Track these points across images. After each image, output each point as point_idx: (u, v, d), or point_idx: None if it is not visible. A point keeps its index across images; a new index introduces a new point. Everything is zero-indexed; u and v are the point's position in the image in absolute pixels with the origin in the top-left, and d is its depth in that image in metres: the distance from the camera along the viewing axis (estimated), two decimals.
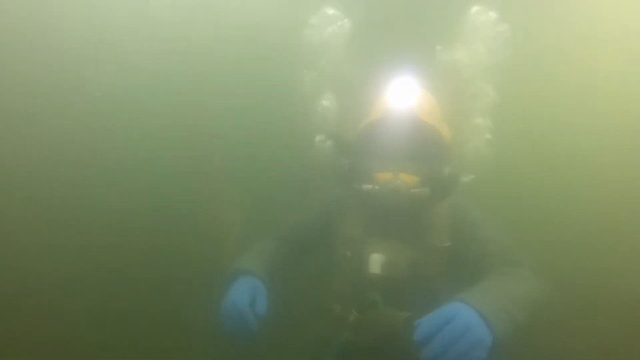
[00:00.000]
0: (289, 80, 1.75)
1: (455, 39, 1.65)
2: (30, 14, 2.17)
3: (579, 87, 2.09)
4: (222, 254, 1.90)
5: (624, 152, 2.10)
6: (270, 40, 2.11)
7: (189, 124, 2.20)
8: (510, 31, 1.60)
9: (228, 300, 1.41)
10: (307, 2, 1.80)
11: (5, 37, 2.11)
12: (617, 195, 2.09)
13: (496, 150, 1.64)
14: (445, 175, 1.48)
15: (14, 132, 2.14)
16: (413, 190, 1.46)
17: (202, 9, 2.21)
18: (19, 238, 2.09)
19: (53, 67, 2.15)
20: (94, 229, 2.14)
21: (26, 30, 2.15)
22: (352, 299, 1.52)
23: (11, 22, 2.14)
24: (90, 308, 2.09)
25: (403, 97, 1.49)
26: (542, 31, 2.08)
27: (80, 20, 2.17)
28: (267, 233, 1.75)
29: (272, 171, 2.16)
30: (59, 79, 2.15)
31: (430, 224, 1.52)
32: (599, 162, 2.08)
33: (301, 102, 1.70)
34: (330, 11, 1.70)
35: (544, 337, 1.86)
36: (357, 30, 1.70)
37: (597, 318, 2.00)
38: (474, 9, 1.64)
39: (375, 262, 1.48)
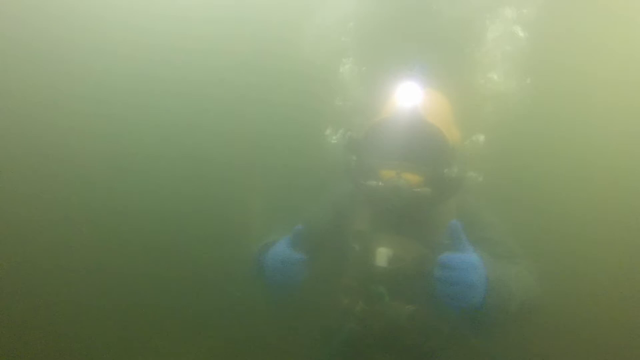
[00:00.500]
0: (300, 80, 1.81)
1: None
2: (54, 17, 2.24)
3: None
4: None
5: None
6: (282, 36, 2.14)
7: (197, 123, 2.26)
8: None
9: (272, 250, 1.49)
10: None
11: (6, 36, 2.17)
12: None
13: (503, 149, 1.69)
14: (448, 175, 1.52)
15: (18, 133, 2.21)
16: (415, 189, 1.51)
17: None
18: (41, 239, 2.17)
19: (68, 67, 2.24)
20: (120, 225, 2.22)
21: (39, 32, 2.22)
22: (359, 290, 1.59)
23: (12, 22, 2.20)
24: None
25: (411, 98, 1.53)
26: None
27: (95, 18, 2.24)
28: (280, 226, 1.81)
29: (283, 165, 2.20)
30: (75, 79, 2.23)
31: (436, 221, 1.55)
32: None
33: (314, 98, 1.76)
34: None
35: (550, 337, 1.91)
36: (370, 29, 1.75)
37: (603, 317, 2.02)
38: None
39: (382, 255, 1.54)
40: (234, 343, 2.12)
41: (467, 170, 1.59)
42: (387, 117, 1.56)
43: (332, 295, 1.66)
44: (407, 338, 1.56)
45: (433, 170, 1.53)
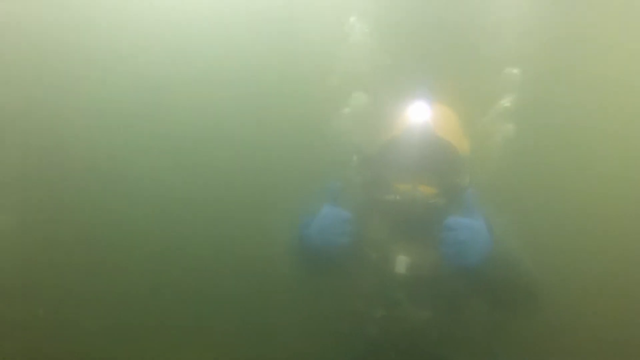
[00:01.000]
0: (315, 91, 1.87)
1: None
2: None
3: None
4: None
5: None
6: (297, 45, 2.19)
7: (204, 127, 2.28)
8: None
9: (322, 209, 1.53)
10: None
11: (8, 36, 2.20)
12: None
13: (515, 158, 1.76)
14: (461, 187, 1.60)
15: (17, 134, 2.22)
16: (430, 200, 1.59)
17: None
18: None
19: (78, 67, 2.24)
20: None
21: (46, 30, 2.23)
22: (378, 297, 1.65)
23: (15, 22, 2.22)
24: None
25: (422, 113, 1.62)
26: None
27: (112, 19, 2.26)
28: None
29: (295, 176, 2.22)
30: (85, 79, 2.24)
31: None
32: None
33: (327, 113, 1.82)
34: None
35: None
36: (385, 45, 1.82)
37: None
38: None
39: (401, 263, 1.62)
40: (249, 344, 2.17)
41: (476, 178, 1.67)
42: (399, 133, 1.64)
43: (350, 301, 1.72)
44: (424, 343, 1.64)
45: (446, 182, 1.61)
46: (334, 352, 1.79)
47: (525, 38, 1.87)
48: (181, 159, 2.28)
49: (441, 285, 1.59)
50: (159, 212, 2.27)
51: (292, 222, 1.67)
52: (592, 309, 2.03)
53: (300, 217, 1.62)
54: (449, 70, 1.82)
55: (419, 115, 1.62)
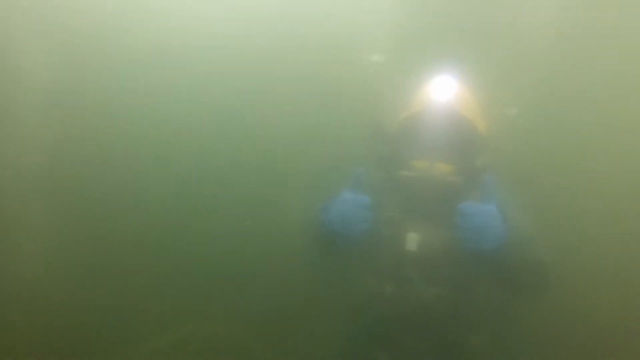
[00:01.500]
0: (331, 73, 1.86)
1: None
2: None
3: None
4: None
5: None
6: (317, 20, 2.18)
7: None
8: None
9: (342, 195, 1.54)
10: None
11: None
12: None
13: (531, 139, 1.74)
14: (479, 165, 1.59)
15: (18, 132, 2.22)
16: (447, 178, 1.59)
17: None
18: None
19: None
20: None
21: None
22: (388, 274, 1.66)
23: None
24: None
25: (443, 90, 1.61)
26: None
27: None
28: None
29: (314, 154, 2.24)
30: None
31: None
32: None
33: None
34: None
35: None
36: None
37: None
38: None
39: (412, 240, 1.61)
40: (255, 322, 2.20)
41: (495, 158, 1.66)
42: (419, 110, 1.63)
43: (361, 277, 1.73)
44: (434, 322, 1.63)
45: (464, 161, 1.60)
46: (347, 333, 1.79)
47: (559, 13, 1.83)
48: (204, 146, 2.30)
49: (453, 265, 1.59)
50: (177, 196, 2.30)
51: (311, 206, 1.67)
52: (607, 297, 2.01)
53: (320, 202, 1.62)
54: (474, 49, 1.78)
55: (441, 92, 1.60)
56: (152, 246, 2.24)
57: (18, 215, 2.19)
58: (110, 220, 2.27)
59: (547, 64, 1.90)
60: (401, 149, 1.65)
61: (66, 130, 2.26)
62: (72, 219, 2.24)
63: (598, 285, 1.99)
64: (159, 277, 2.22)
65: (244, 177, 2.25)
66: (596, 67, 2.11)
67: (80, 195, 2.28)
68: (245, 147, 2.27)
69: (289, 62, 2.21)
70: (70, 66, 2.26)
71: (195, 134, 2.30)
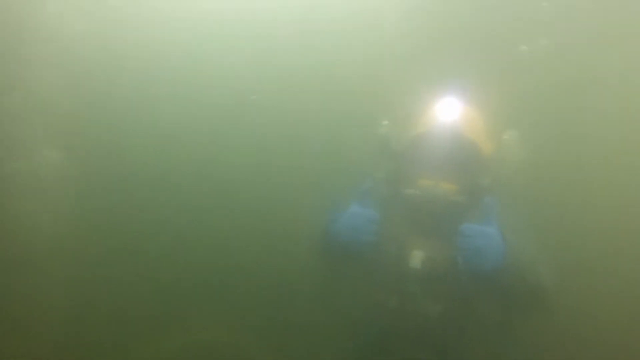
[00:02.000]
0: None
1: None
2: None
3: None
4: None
5: None
6: (325, 39, 2.23)
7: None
8: None
9: (351, 207, 1.60)
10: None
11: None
12: None
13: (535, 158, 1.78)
14: (482, 186, 1.65)
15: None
16: (450, 197, 1.63)
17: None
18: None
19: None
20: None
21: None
22: (392, 289, 1.70)
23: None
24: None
25: (449, 112, 1.67)
26: None
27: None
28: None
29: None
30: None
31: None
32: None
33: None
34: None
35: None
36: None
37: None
38: None
39: (417, 257, 1.66)
40: (259, 333, 2.23)
41: (498, 179, 1.71)
42: (426, 130, 1.68)
43: (364, 288, 1.78)
44: (435, 338, 1.68)
45: (468, 181, 1.65)
46: (352, 344, 1.84)
47: (556, 46, 1.88)
48: (209, 156, 2.35)
49: (454, 282, 1.63)
50: (189, 204, 2.34)
51: (320, 216, 1.73)
52: (606, 316, 2.05)
53: (329, 213, 1.69)
54: (479, 72, 1.84)
55: (448, 114, 1.66)
56: (157, 252, 2.28)
57: (18, 215, 2.22)
58: (108, 225, 2.31)
59: (550, 88, 1.94)
60: (408, 167, 1.70)
61: (66, 131, 2.29)
62: (72, 219, 2.27)
63: (597, 306, 2.03)
64: (162, 282, 2.26)
65: (254, 189, 2.30)
66: (601, 91, 2.15)
67: (80, 195, 2.30)
68: (256, 160, 2.32)
69: (301, 77, 2.26)
70: (70, 66, 2.29)
71: (203, 146, 2.34)
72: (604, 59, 2.15)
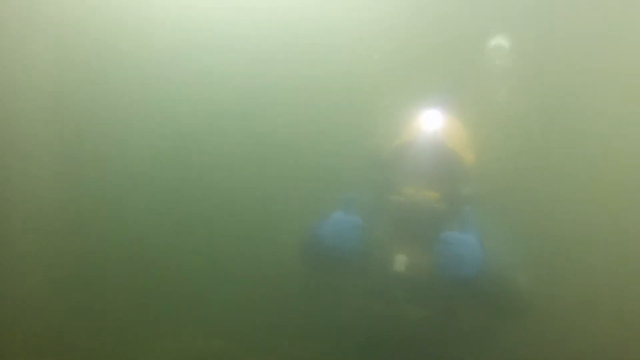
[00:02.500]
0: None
1: None
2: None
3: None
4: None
5: None
6: (312, 49, 2.27)
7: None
8: None
9: (335, 214, 1.65)
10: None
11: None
12: None
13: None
14: (462, 195, 1.71)
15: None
16: (432, 205, 1.69)
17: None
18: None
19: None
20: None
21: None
22: (376, 293, 1.75)
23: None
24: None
25: (432, 122, 1.73)
26: None
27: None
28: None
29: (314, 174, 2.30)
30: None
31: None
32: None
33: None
34: None
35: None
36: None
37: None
38: None
39: (400, 262, 1.71)
40: (246, 338, 2.23)
41: (479, 188, 1.77)
42: (410, 139, 1.74)
43: (351, 298, 1.82)
44: (418, 341, 1.73)
45: (449, 189, 1.71)
46: (335, 349, 1.88)
47: (538, 53, 1.93)
48: (196, 164, 2.38)
49: (437, 287, 1.68)
50: (171, 212, 2.36)
51: (305, 223, 1.78)
52: (583, 320, 2.10)
53: (313, 220, 1.73)
54: (461, 81, 1.90)
55: (430, 123, 1.73)
56: (145, 256, 2.30)
57: (18, 215, 2.24)
58: (106, 228, 2.32)
59: (532, 100, 2.00)
60: (391, 175, 1.76)
61: (66, 131, 2.32)
62: (72, 219, 2.30)
63: (574, 311, 2.08)
64: (145, 293, 2.27)
65: (240, 195, 2.33)
66: (583, 103, 2.21)
67: (80, 195, 2.33)
68: (243, 168, 2.34)
69: (287, 88, 2.31)
70: (70, 66, 2.32)
71: (191, 155, 2.37)
72: (588, 66, 2.21)
